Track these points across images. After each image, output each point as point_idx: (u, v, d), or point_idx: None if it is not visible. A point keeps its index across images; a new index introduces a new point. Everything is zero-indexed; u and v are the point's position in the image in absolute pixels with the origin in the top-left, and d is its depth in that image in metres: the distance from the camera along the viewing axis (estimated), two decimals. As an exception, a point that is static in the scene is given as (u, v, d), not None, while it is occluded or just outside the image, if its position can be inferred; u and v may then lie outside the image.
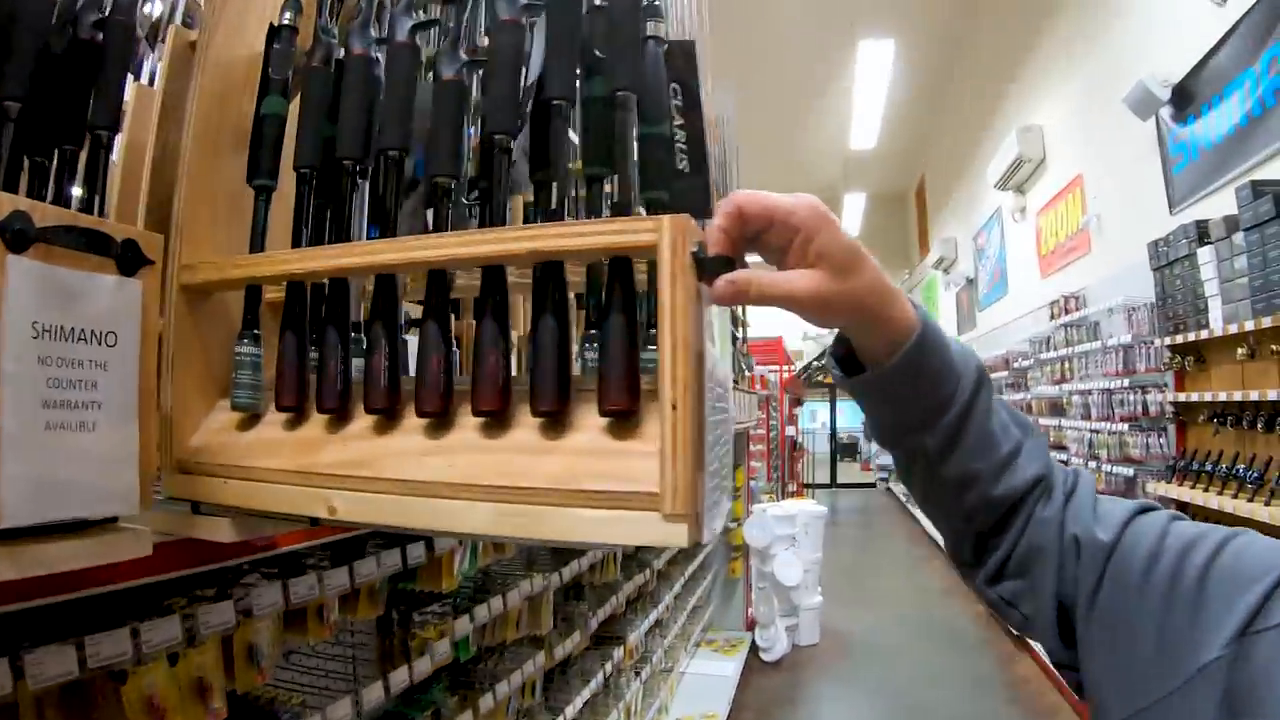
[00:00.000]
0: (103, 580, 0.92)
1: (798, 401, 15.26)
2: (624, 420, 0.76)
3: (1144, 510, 0.84)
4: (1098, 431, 5.52)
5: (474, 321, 0.90)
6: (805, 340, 16.61)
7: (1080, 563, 0.82)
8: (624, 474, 0.72)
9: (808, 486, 14.20)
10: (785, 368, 12.43)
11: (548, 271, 0.80)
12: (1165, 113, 5.03)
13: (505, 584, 2.31)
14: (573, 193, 1.00)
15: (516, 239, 0.78)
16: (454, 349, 0.87)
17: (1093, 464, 5.60)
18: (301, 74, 1.01)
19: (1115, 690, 0.78)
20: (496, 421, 0.82)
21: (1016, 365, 7.85)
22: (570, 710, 2.74)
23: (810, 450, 16.92)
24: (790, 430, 12.52)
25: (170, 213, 1.00)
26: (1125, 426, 5.06)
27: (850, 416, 20.06)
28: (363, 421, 0.89)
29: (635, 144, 0.87)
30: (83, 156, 0.89)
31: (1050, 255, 7.53)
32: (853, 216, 14.91)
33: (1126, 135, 5.50)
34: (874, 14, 8.95)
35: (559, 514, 0.73)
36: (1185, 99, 4.81)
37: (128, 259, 0.78)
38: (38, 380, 0.67)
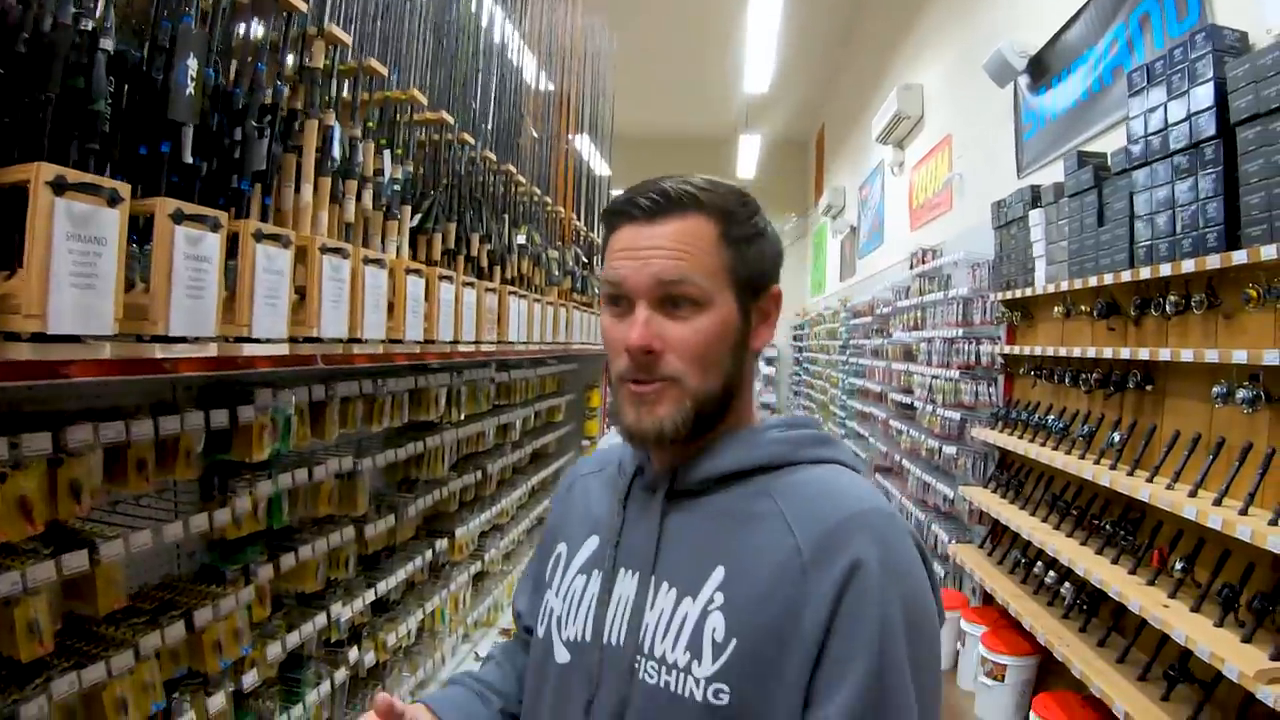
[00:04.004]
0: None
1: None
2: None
3: None
4: (937, 377, 5.87)
5: None
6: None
7: None
8: None
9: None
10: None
11: None
12: (1023, 82, 5.30)
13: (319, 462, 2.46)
14: None
15: None
16: None
17: (930, 407, 5.97)
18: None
19: None
20: None
21: (879, 311, 8.20)
22: (384, 587, 2.90)
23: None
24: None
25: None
26: (959, 374, 5.41)
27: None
28: None
29: None
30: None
31: (919, 209, 7.86)
32: (748, 158, 15.08)
33: (990, 100, 5.76)
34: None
35: None
36: (1040, 70, 5.07)
37: (113, 199, 1.22)
38: (68, 261, 1.17)
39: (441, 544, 3.48)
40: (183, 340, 1.37)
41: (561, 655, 1.16)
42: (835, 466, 1.12)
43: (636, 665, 1.06)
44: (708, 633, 1.01)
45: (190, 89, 1.49)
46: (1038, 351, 4.29)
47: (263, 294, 1.52)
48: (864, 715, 0.95)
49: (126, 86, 1.44)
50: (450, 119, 2.70)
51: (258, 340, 1.53)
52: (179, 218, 1.35)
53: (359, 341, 1.90)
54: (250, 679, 2.23)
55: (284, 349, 1.61)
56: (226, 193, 1.63)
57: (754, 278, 1.12)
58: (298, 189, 1.78)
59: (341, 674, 2.71)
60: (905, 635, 0.99)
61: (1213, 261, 2.78)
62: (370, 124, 2.18)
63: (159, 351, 1.32)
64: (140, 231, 1.41)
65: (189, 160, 1.51)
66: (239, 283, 1.50)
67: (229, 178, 1.63)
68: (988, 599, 4.75)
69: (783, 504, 1.06)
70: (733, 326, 1.10)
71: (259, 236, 1.52)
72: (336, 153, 1.92)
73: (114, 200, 1.23)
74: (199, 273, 1.38)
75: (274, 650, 2.31)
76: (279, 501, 2.35)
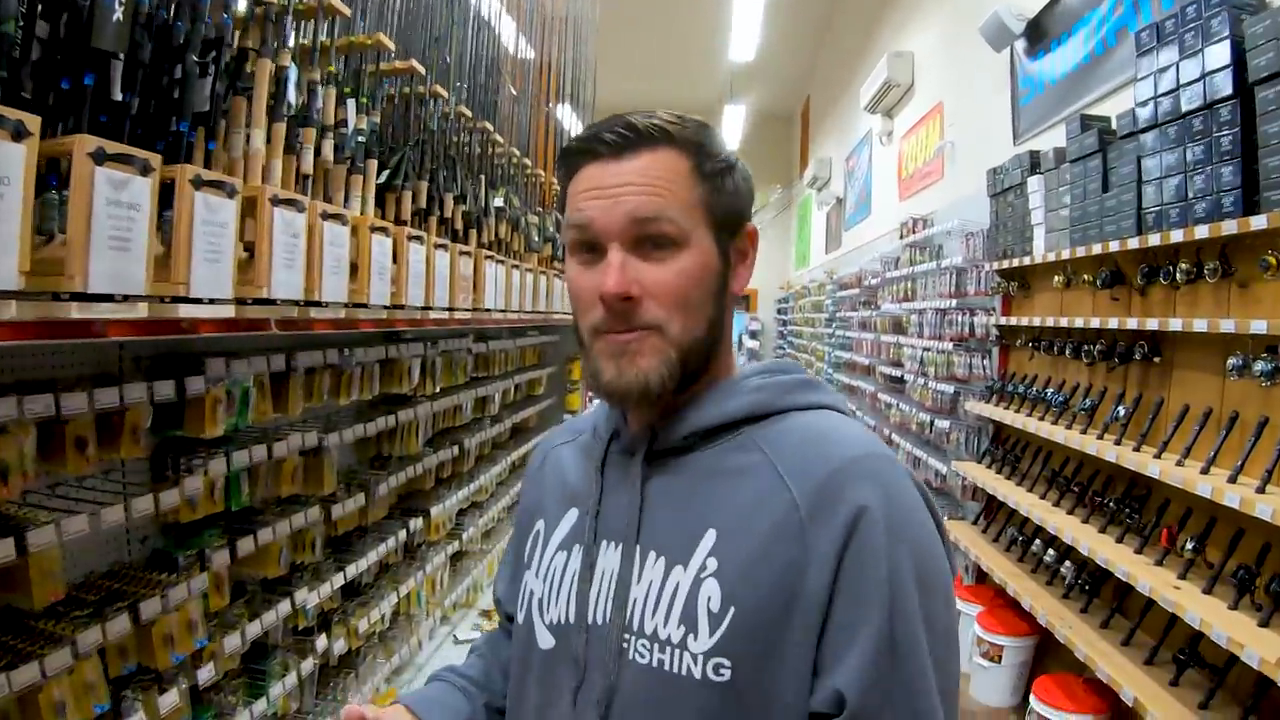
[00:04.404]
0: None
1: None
2: None
3: None
4: (929, 350, 5.74)
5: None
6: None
7: None
8: None
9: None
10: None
11: None
12: (1020, 46, 5.15)
13: (281, 438, 2.30)
14: None
15: None
16: None
17: (921, 380, 5.85)
18: None
19: None
20: None
21: (867, 283, 8.07)
22: (354, 570, 2.74)
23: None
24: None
25: None
26: (952, 346, 5.27)
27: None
28: None
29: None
30: None
31: (909, 179, 7.71)
32: (732, 128, 14.88)
33: (985, 66, 5.62)
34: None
35: None
36: (1038, 34, 4.93)
37: (18, 133, 1.05)
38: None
39: (416, 523, 3.32)
40: (108, 299, 1.19)
41: (545, 640, 1.06)
42: (825, 412, 1.03)
43: (625, 645, 0.96)
44: (702, 603, 0.92)
45: (119, 15, 1.31)
46: (1036, 322, 4.17)
47: (202, 248, 1.33)
48: (877, 681, 0.86)
49: (42, 8, 1.25)
50: (421, 69, 2.51)
51: (197, 301, 1.35)
52: (100, 158, 1.16)
53: (318, 305, 1.72)
54: (206, 673, 2.06)
55: (229, 311, 1.43)
56: (165, 137, 1.45)
57: (729, 214, 1.03)
58: (249, 137, 1.60)
59: (309, 664, 2.55)
60: (916, 589, 0.89)
61: (1229, 227, 2.65)
62: (332, 68, 2.00)
63: (76, 311, 1.14)
64: (63, 177, 1.23)
65: (118, 97, 1.34)
66: (175, 235, 1.32)
67: (167, 120, 1.45)
68: (981, 577, 4.65)
69: (773, 455, 0.97)
70: (713, 268, 1.00)
71: (198, 183, 1.33)
72: (292, 97, 1.73)
73: (19, 134, 1.06)
74: (126, 222, 1.19)
75: (233, 642, 2.15)
76: (238, 481, 2.18)
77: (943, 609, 0.93)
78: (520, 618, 1.11)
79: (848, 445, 0.96)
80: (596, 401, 1.14)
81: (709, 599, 0.92)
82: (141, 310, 1.24)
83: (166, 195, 1.36)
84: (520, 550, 1.18)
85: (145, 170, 1.24)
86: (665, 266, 0.96)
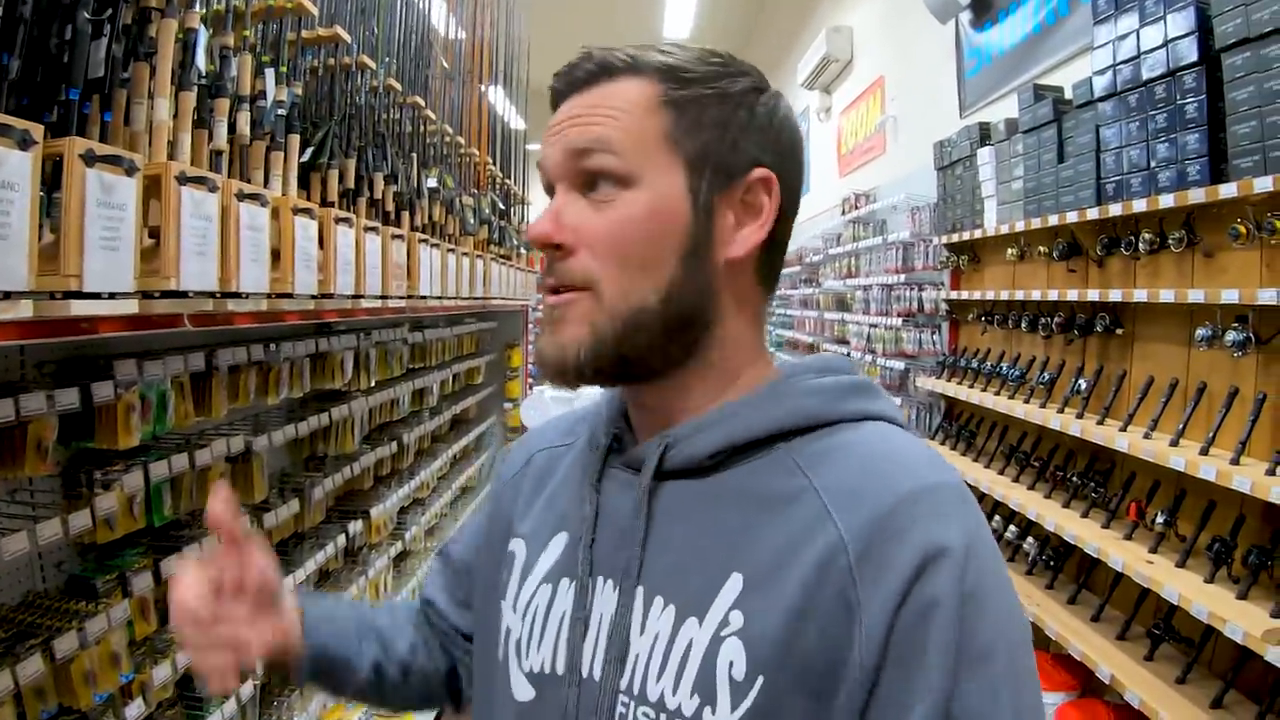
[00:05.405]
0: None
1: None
2: None
3: None
4: (876, 326, 5.67)
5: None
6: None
7: None
8: None
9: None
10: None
11: None
12: (965, 18, 5.07)
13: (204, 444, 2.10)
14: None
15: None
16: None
17: (869, 357, 5.78)
18: None
19: None
20: None
21: (808, 260, 7.99)
22: (291, 580, 2.56)
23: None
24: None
25: None
26: (900, 321, 5.20)
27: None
28: None
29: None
30: None
31: (849, 155, 7.64)
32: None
33: (928, 39, 5.55)
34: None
35: None
36: (985, 4, 4.85)
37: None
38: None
39: (356, 526, 3.13)
40: (-17, 298, 1.01)
41: (522, 691, 0.85)
42: (881, 425, 0.82)
43: (624, 710, 0.77)
44: (722, 668, 0.73)
45: (-10, -38, 1.12)
46: (989, 296, 4.09)
47: (97, 235, 1.14)
48: None
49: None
50: (347, 37, 2.31)
51: (95, 296, 1.15)
52: (-34, 129, 0.98)
53: (236, 296, 1.53)
54: (136, 709, 1.87)
55: (133, 306, 1.23)
56: (52, 107, 1.25)
57: (717, 153, 0.81)
58: (152, 108, 1.40)
59: (249, 686, 2.36)
60: (994, 663, 0.68)
61: (1196, 195, 2.59)
62: (247, 33, 1.80)
63: (-60, 314, 0.96)
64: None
65: (-7, 60, 1.14)
66: (65, 220, 1.12)
67: (55, 87, 1.25)
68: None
69: (817, 480, 0.75)
70: (677, 217, 0.79)
71: (90, 159, 1.13)
72: (201, 63, 1.53)
73: None
74: (1, 204, 1.01)
75: (163, 672, 1.95)
76: (159, 494, 1.98)
77: (1033, 694, 0.73)
78: (498, 654, 0.90)
79: (914, 472, 0.75)
80: (591, 396, 0.95)
81: (731, 664, 0.73)
82: (25, 309, 1.05)
83: (56, 175, 1.17)
84: (494, 570, 0.96)
85: (24, 143, 1.04)
86: (603, 210, 0.79)
